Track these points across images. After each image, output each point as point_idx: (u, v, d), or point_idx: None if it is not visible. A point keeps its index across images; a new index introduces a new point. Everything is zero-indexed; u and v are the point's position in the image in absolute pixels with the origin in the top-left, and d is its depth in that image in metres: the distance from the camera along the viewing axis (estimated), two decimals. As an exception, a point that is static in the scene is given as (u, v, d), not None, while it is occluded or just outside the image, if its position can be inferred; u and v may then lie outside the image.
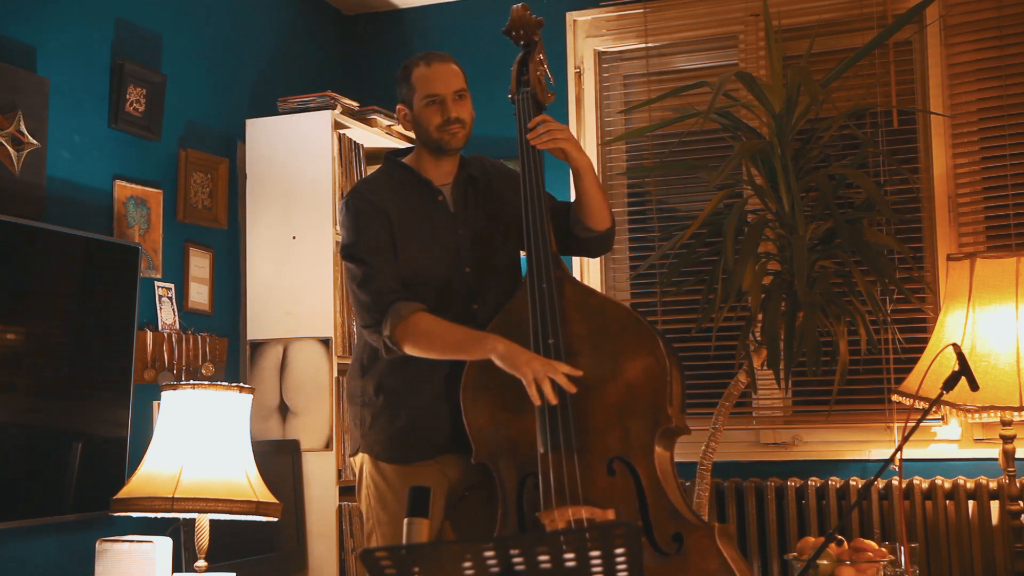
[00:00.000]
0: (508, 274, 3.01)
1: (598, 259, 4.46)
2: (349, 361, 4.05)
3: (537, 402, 2.68)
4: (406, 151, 3.06)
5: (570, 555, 1.46)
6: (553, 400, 2.66)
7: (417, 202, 2.94)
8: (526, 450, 2.74)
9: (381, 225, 2.87)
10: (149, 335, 3.66)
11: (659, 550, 2.64)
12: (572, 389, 2.68)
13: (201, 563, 3.18)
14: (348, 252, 2.90)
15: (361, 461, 2.97)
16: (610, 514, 2.67)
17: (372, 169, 4.36)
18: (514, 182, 2.98)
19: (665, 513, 2.67)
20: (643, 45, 4.57)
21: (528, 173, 2.91)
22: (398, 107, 2.98)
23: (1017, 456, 3.65)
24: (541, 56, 3.05)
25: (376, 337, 2.83)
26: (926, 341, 3.82)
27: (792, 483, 4.09)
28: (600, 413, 2.74)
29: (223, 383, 3.31)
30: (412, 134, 3.01)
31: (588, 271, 4.48)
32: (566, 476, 2.67)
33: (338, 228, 4.00)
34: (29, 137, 3.28)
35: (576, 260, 4.41)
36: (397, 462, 2.89)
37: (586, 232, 2.99)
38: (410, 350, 2.80)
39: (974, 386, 2.65)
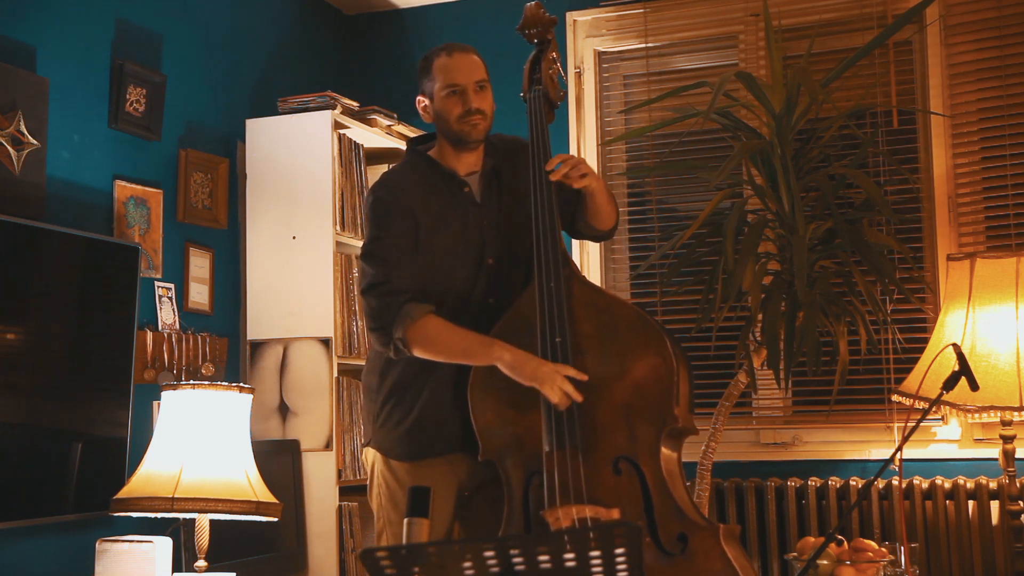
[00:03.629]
0: (528, 265, 3.02)
1: (598, 259, 4.51)
2: (349, 361, 4.07)
3: (555, 400, 2.69)
4: (429, 141, 3.03)
5: (570, 555, 1.46)
6: (579, 398, 2.68)
7: (444, 196, 2.92)
8: (532, 448, 2.75)
9: (405, 223, 2.86)
10: (149, 335, 3.66)
11: (663, 550, 2.64)
12: (579, 398, 2.69)
13: (201, 563, 3.18)
14: (368, 250, 2.87)
15: (373, 458, 2.97)
16: (615, 513, 2.67)
17: (372, 169, 4.40)
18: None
19: (670, 513, 2.67)
20: (643, 45, 4.57)
21: (537, 172, 2.91)
22: (418, 98, 2.95)
23: (1017, 456, 3.64)
24: (554, 54, 3.05)
25: (384, 340, 2.82)
26: (926, 341, 3.82)
27: (792, 483, 4.09)
28: (607, 412, 2.74)
29: (223, 383, 3.31)
30: (432, 124, 2.96)
31: (588, 271, 4.48)
32: (571, 475, 2.68)
33: (337, 228, 4.04)
34: (29, 137, 3.28)
35: (576, 259, 4.41)
36: (407, 459, 2.90)
37: (591, 230, 3.05)
38: (419, 353, 2.80)
39: (974, 386, 2.65)
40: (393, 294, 2.80)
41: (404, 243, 2.85)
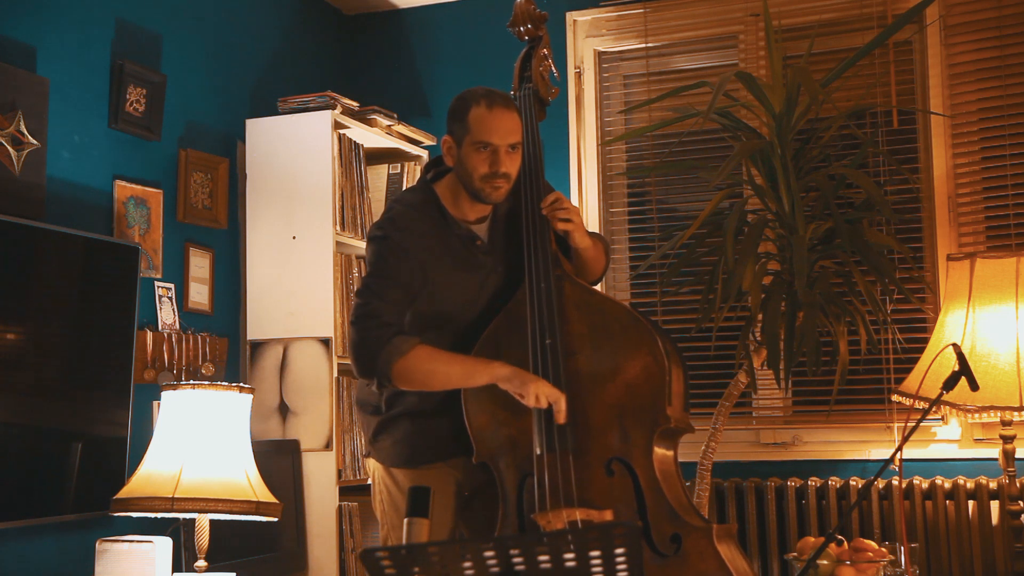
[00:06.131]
0: None
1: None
2: (349, 361, 4.06)
3: (533, 404, 2.68)
4: (443, 170, 2.90)
5: (570, 555, 1.46)
6: (561, 420, 2.66)
7: (456, 248, 2.84)
8: (525, 450, 2.74)
9: (411, 272, 2.77)
10: (149, 335, 3.66)
11: (657, 551, 2.64)
12: (560, 421, 2.67)
13: (201, 563, 3.18)
14: (366, 284, 2.79)
15: (374, 467, 2.98)
16: (607, 515, 2.66)
17: (372, 169, 4.40)
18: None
19: (663, 514, 2.66)
20: (643, 45, 4.57)
21: (527, 173, 2.89)
22: (444, 138, 2.82)
23: (1017, 456, 3.65)
24: (545, 51, 3.01)
25: (367, 372, 2.74)
26: (926, 341, 3.82)
27: (792, 483, 4.09)
28: (598, 413, 2.73)
29: (223, 383, 3.31)
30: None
31: (588, 271, 4.48)
32: (561, 477, 2.67)
33: (337, 228, 4.04)
34: (29, 137, 3.28)
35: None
36: (407, 466, 2.89)
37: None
38: (405, 386, 2.75)
39: (974, 386, 2.65)
40: (381, 327, 2.71)
41: (405, 283, 2.77)
